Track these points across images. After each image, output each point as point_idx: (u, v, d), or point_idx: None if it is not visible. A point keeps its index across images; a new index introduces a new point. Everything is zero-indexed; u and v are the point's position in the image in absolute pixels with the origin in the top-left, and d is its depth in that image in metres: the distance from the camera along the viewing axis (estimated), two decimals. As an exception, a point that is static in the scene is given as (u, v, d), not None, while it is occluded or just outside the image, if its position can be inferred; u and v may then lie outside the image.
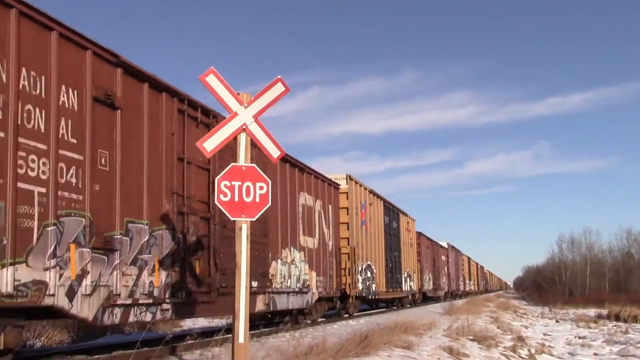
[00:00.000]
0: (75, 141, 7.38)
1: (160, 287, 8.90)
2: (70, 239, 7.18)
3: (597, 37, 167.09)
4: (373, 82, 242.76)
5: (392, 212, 27.89)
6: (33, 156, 6.71)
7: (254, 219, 5.98)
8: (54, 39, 7.13)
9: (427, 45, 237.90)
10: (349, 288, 19.82)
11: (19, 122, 6.55)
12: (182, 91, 9.80)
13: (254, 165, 6.00)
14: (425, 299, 38.02)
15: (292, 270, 14.56)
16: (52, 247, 6.86)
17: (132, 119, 8.57)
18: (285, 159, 14.39)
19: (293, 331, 13.12)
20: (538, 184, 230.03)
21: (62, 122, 7.19)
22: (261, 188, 5.99)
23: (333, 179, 19.10)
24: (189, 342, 9.06)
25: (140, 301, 8.44)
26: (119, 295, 7.99)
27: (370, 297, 23.21)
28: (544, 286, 69.40)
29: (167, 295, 9.07)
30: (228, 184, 5.89)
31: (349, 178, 20.92)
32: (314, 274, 16.21)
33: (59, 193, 7.03)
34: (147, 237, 8.68)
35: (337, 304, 19.55)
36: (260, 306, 12.62)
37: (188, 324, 18.05)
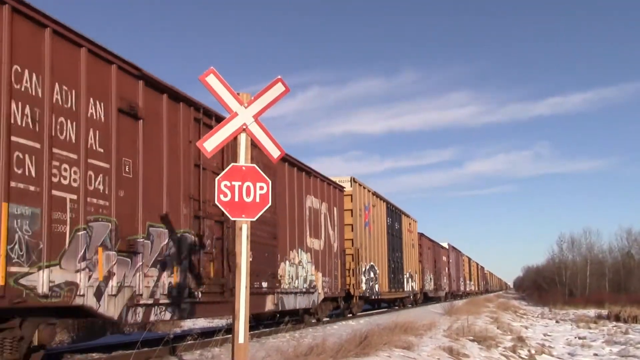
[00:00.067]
0: (102, 150, 7.85)
1: (178, 287, 9.36)
2: (98, 242, 7.65)
3: (597, 37, 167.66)
4: (373, 82, 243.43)
5: (394, 214, 28.36)
6: (65, 165, 7.18)
7: (254, 219, 5.97)
8: (83, 55, 7.60)
9: (427, 45, 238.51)
10: (353, 288, 20.29)
11: (53, 134, 7.02)
12: (198, 100, 10.27)
13: (254, 165, 6.01)
14: (426, 299, 38.49)
15: (300, 271, 15.03)
16: (82, 251, 7.32)
17: (153, 128, 9.04)
18: (292, 163, 14.86)
19: (293, 331, 13.31)
20: (538, 184, 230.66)
21: (91, 133, 7.66)
22: (261, 188, 5.95)
23: (338, 182, 19.57)
24: (189, 342, 9.20)
25: (160, 301, 8.91)
26: (141, 295, 8.46)
27: (373, 298, 23.67)
28: (544, 286, 69.68)
29: (184, 296, 9.53)
30: (228, 184, 5.86)
31: (353, 180, 21.38)
32: (319, 274, 16.67)
33: (88, 199, 7.50)
34: (166, 240, 9.15)
35: (341, 304, 20.02)
36: (269, 306, 13.09)
37: (188, 324, 18.16)
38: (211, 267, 10.43)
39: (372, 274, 22.86)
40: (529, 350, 16.11)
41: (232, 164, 5.95)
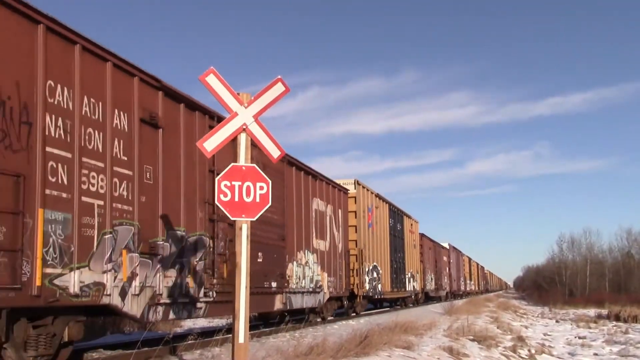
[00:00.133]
0: (126, 158, 8.33)
1: (194, 287, 9.84)
2: (123, 245, 8.14)
3: (597, 37, 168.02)
4: (373, 82, 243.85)
5: (396, 215, 28.84)
6: (93, 173, 7.66)
7: (254, 219, 5.94)
8: (108, 69, 8.08)
9: (427, 45, 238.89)
10: (357, 288, 20.79)
11: (82, 144, 7.50)
12: (212, 109, 10.75)
13: (254, 165, 5.98)
14: (427, 298, 38.98)
15: (306, 271, 15.51)
16: (109, 253, 7.81)
17: (171, 136, 9.52)
18: (299, 167, 15.34)
19: (293, 331, 13.41)
20: (538, 184, 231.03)
21: (116, 142, 8.15)
22: (261, 188, 5.91)
23: (342, 184, 20.06)
24: (189, 342, 9.31)
25: (178, 300, 9.39)
26: (161, 295, 8.94)
27: (376, 297, 24.15)
28: (544, 286, 70.04)
29: (200, 295, 10.01)
30: (228, 184, 5.85)
31: (357, 183, 21.87)
32: (325, 274, 17.16)
33: (114, 205, 7.99)
34: (184, 242, 9.63)
35: (345, 304, 20.51)
36: (278, 305, 13.58)
37: (188, 323, 18.16)
38: (224, 268, 10.91)
39: (375, 274, 23.34)
40: (529, 350, 16.22)
41: (232, 163, 5.92)
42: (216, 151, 6.10)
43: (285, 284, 13.90)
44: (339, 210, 18.94)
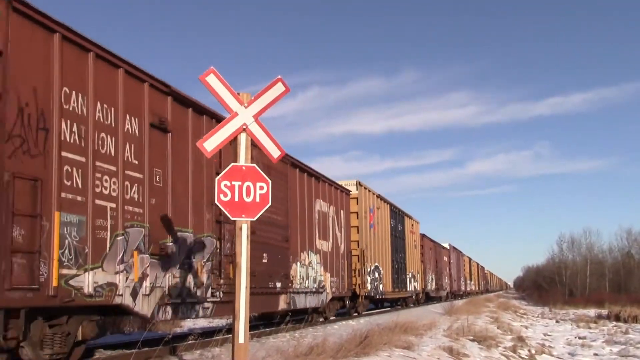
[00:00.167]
0: (136, 162, 8.57)
1: (202, 287, 10.07)
2: (134, 246, 8.37)
3: (597, 37, 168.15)
4: (373, 82, 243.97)
5: (397, 216, 29.08)
6: (106, 177, 7.89)
7: (254, 219, 5.93)
8: (120, 76, 8.32)
9: (427, 45, 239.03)
10: (359, 288, 21.02)
11: (96, 148, 7.73)
12: (219, 112, 10.96)
13: (254, 165, 5.96)
14: (428, 298, 39.22)
15: (310, 272, 15.75)
16: (121, 254, 8.04)
17: (180, 140, 9.75)
18: (303, 169, 15.57)
19: (293, 331, 13.43)
20: (538, 184, 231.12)
21: (127, 146, 8.38)
22: (261, 188, 5.89)
23: (344, 185, 20.29)
24: (190, 342, 9.34)
25: (187, 300, 9.62)
26: (170, 295, 9.17)
27: (378, 297, 24.39)
28: (544, 286, 70.23)
29: (207, 295, 10.25)
30: (228, 184, 5.84)
31: (359, 184, 22.11)
32: (328, 275, 17.39)
33: (125, 207, 8.22)
34: (192, 243, 9.86)
35: (347, 304, 20.74)
36: (282, 305, 13.81)
37: (188, 323, 18.09)
38: (231, 269, 11.12)
39: (376, 274, 23.58)
40: (529, 350, 16.27)
41: (232, 163, 5.91)
42: (216, 151, 6.09)
43: (289, 285, 14.13)
44: (341, 211, 19.17)
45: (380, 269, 24.34)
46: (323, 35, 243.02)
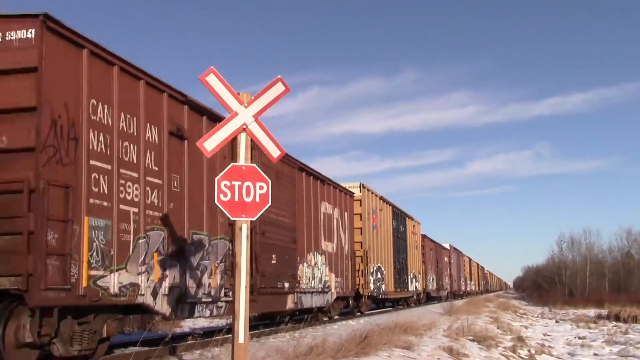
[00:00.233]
0: (156, 169, 9.04)
1: (216, 287, 10.55)
2: (154, 249, 8.84)
3: (597, 37, 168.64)
4: (373, 82, 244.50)
5: (399, 217, 29.56)
6: (129, 183, 8.37)
7: (254, 219, 5.93)
8: (141, 87, 8.79)
9: (427, 45, 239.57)
10: (362, 288, 21.51)
11: (120, 156, 8.21)
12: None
13: (254, 165, 5.97)
14: (429, 298, 39.71)
15: (315, 272, 16.23)
16: (142, 256, 8.52)
17: (195, 147, 10.16)
18: (309, 172, 16.05)
19: (293, 331, 13.50)
20: (538, 184, 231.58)
21: (148, 154, 8.85)
22: (261, 188, 5.88)
23: (348, 187, 20.77)
24: (189, 342, 9.31)
25: (202, 300, 10.10)
26: (187, 295, 9.64)
27: (380, 297, 24.87)
28: (544, 286, 70.51)
29: (221, 295, 10.72)
30: (228, 183, 5.82)
31: (362, 186, 22.59)
32: (332, 275, 17.87)
33: (146, 212, 8.69)
34: (207, 245, 10.33)
35: (350, 303, 21.23)
36: (290, 304, 14.29)
37: (188, 323, 18.14)
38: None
39: (379, 275, 24.05)
40: (528, 350, 16.39)
41: (232, 163, 5.91)
42: (216, 151, 6.11)
43: (297, 285, 14.60)
44: (345, 213, 19.65)
45: (383, 269, 24.82)
46: (323, 35, 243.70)
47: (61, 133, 7.19)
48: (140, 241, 8.50)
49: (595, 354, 17.83)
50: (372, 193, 24.05)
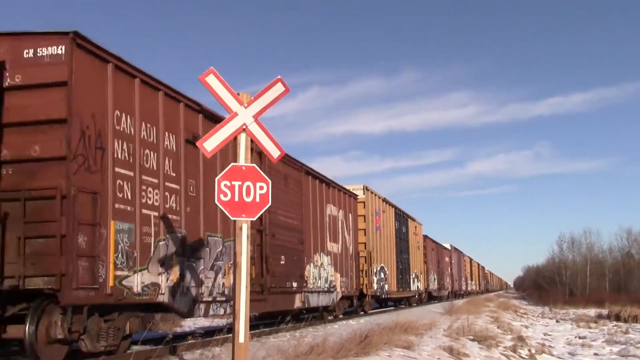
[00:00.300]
0: (174, 175, 9.55)
1: (229, 287, 11.04)
2: (173, 250, 9.35)
3: (597, 37, 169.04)
4: (373, 82, 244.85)
5: (402, 218, 30.09)
6: (150, 188, 8.87)
7: (254, 219, 5.94)
8: (160, 97, 9.30)
9: (427, 45, 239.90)
10: (366, 288, 22.04)
11: (142, 164, 8.72)
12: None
13: (254, 165, 5.99)
14: (430, 298, 40.22)
15: (321, 272, 16.74)
16: (163, 257, 9.03)
17: (209, 153, 10.71)
18: (315, 176, 16.56)
19: (293, 331, 13.49)
20: (538, 184, 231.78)
21: (166, 161, 9.36)
22: (261, 188, 5.89)
23: (352, 190, 21.29)
24: (190, 341, 9.28)
25: (217, 299, 10.61)
26: (203, 294, 10.15)
27: (383, 297, 25.38)
28: (544, 286, 70.83)
29: (234, 294, 11.20)
30: (228, 183, 5.84)
31: (366, 189, 23.11)
32: (338, 275, 18.38)
33: (165, 215, 9.19)
34: (220, 247, 10.84)
35: (355, 302, 21.74)
36: (297, 303, 14.79)
37: (189, 323, 18.11)
38: (253, 270, 12.11)
39: (382, 275, 24.57)
40: (529, 350, 16.43)
41: (232, 163, 5.92)
42: (216, 151, 6.12)
43: (304, 284, 15.11)
44: (350, 215, 20.16)
45: (386, 269, 25.33)
46: (323, 35, 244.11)
47: (89, 143, 7.69)
48: (161, 243, 9.00)
49: (596, 354, 17.98)
50: (375, 195, 24.56)
